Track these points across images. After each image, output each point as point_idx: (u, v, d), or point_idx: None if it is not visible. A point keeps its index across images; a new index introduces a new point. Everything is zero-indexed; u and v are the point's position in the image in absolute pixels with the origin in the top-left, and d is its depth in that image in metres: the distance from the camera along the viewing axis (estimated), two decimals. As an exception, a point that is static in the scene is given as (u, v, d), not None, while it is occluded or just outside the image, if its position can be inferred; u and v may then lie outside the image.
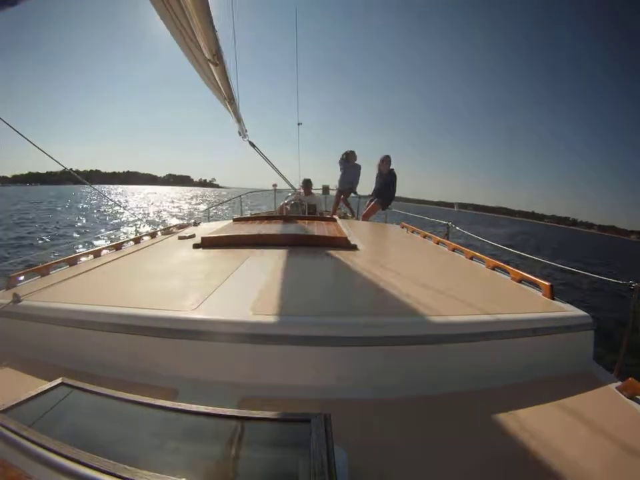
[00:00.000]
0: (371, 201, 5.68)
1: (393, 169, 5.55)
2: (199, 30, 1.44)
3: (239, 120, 3.27)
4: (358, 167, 5.90)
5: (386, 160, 5.55)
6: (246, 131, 3.82)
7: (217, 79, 2.07)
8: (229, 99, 2.53)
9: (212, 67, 1.84)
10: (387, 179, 5.52)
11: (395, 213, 5.81)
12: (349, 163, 5.86)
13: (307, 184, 5.83)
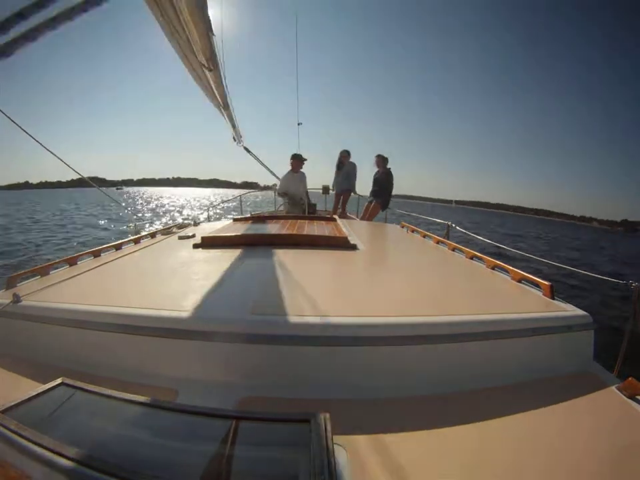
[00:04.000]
0: (370, 202, 5.67)
1: (389, 168, 5.54)
2: (194, 35, 1.43)
3: (233, 126, 3.26)
4: (352, 166, 5.87)
5: (378, 159, 5.53)
6: (241, 136, 3.80)
7: (212, 84, 2.06)
8: (224, 105, 2.53)
9: (207, 72, 1.83)
10: (382, 179, 5.51)
11: (396, 212, 5.80)
12: (343, 165, 5.85)
13: (296, 158, 5.24)
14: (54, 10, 0.81)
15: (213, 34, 1.53)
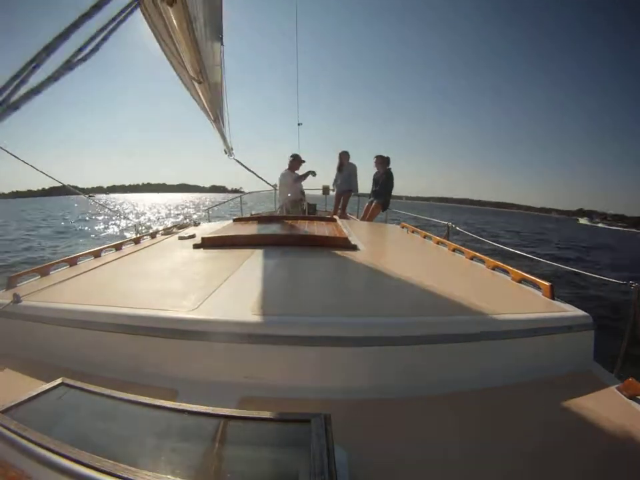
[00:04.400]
0: (370, 202, 5.67)
1: (389, 168, 5.53)
2: (183, 48, 1.42)
3: (224, 138, 3.24)
4: (353, 167, 5.86)
5: (378, 160, 5.53)
6: (232, 149, 3.77)
7: (202, 97, 2.06)
8: (214, 118, 2.52)
9: (196, 84, 1.82)
10: (382, 179, 5.51)
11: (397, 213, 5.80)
12: (343, 166, 5.84)
13: (296, 158, 5.28)
14: (53, 62, 0.79)
15: (223, 44, 1.52)
